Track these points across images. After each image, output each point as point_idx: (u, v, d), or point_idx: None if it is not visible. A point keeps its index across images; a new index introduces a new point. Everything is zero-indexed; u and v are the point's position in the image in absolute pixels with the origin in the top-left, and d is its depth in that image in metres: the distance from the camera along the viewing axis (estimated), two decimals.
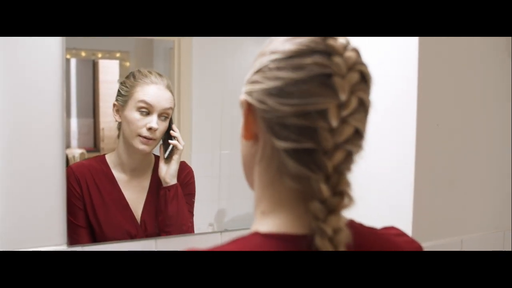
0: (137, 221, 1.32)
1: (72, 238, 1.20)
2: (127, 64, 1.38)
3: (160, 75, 1.33)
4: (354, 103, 0.55)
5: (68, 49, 1.17)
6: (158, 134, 1.31)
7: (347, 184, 0.56)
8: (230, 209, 1.49)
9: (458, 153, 1.33)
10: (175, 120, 1.37)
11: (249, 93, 0.60)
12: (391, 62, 1.29)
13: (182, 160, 1.38)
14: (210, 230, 1.43)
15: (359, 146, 0.58)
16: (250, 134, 0.62)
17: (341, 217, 0.56)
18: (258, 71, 0.60)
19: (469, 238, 1.36)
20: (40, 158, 1.14)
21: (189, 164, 1.41)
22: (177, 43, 1.43)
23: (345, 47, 0.58)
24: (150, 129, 1.28)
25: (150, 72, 1.32)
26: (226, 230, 1.40)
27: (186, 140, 1.40)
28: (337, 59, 0.56)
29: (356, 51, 0.59)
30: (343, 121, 0.55)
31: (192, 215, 1.39)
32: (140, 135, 1.29)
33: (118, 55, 1.39)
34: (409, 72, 1.23)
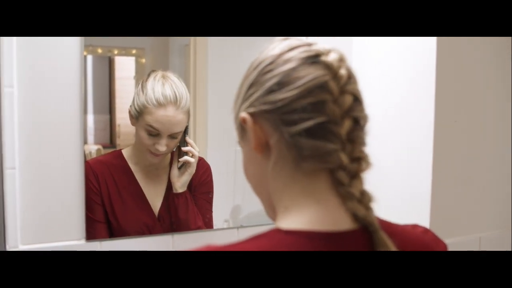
0: (154, 214, 1.33)
1: (90, 233, 1.21)
2: (143, 60, 1.39)
3: (172, 88, 1.24)
4: (345, 73, 0.61)
5: (84, 46, 1.18)
6: (169, 149, 1.29)
7: (362, 151, 0.61)
8: (246, 205, 1.49)
9: (476, 150, 1.32)
10: (191, 115, 1.38)
11: (250, 105, 0.63)
12: (409, 60, 1.28)
13: (202, 156, 1.37)
14: (225, 226, 1.43)
15: (363, 113, 0.62)
16: (261, 144, 0.62)
17: (363, 181, 0.60)
18: (250, 86, 0.63)
19: (487, 235, 1.35)
20: (59, 154, 1.16)
21: (203, 156, 1.41)
22: (193, 40, 1.43)
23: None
24: (157, 149, 1.26)
25: (163, 86, 1.24)
26: (241, 226, 1.41)
27: (202, 137, 1.40)
28: (317, 47, 0.61)
29: None
30: (342, 91, 0.59)
31: (211, 211, 1.40)
32: (149, 150, 1.28)
33: (134, 52, 1.40)
34: (427, 69, 1.22)
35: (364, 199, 0.60)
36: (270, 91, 0.60)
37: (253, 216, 1.47)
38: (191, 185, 1.36)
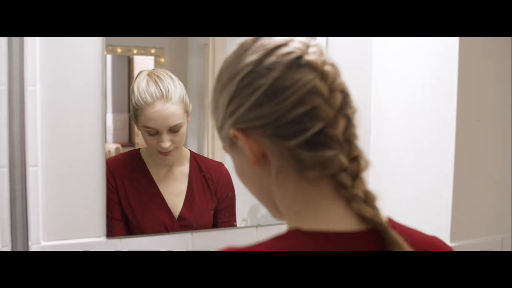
0: (172, 213, 1.33)
1: (108, 231, 1.22)
2: (162, 60, 1.40)
3: (157, 83, 1.23)
4: (331, 70, 0.58)
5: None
6: (176, 144, 1.28)
7: (358, 149, 0.59)
8: None
9: (498, 149, 1.30)
10: (209, 116, 1.38)
11: (237, 122, 0.60)
12: (431, 58, 1.26)
13: (217, 160, 1.38)
14: (243, 225, 1.43)
15: (352, 107, 0.60)
16: (257, 157, 0.60)
17: (365, 181, 0.59)
18: (231, 100, 0.60)
19: (509, 236, 1.33)
20: (80, 152, 1.17)
21: (222, 160, 1.41)
22: (211, 39, 1.43)
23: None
24: (162, 148, 1.26)
25: (148, 83, 1.23)
26: (259, 225, 1.41)
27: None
28: (295, 44, 0.59)
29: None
30: (331, 89, 0.58)
31: (234, 214, 1.40)
32: (157, 150, 1.28)
33: (153, 51, 1.41)
34: (448, 68, 1.21)
35: (368, 199, 0.59)
36: (258, 104, 0.57)
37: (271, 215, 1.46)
38: (212, 192, 1.37)
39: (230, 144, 0.63)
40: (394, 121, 1.37)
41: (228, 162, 1.41)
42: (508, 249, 1.30)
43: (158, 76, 1.25)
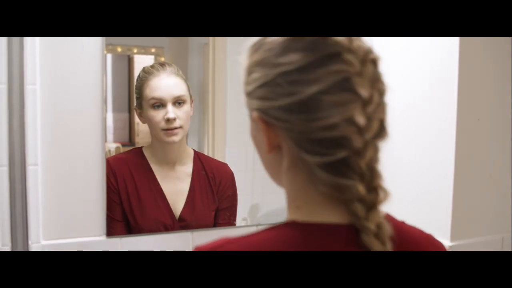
0: (173, 213, 1.33)
1: (108, 231, 1.22)
2: (162, 59, 1.39)
3: (162, 64, 1.31)
4: (376, 97, 0.55)
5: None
6: (181, 121, 1.29)
7: (380, 177, 0.56)
8: (264, 203, 1.49)
9: (498, 149, 1.30)
10: (209, 114, 1.38)
11: (263, 111, 0.57)
12: (431, 58, 1.26)
13: (219, 159, 1.39)
14: (243, 224, 1.43)
15: (384, 136, 0.57)
16: (272, 147, 0.59)
17: (380, 211, 0.56)
18: (263, 85, 0.57)
19: (510, 236, 1.32)
20: (80, 151, 1.17)
21: (223, 159, 1.41)
22: (212, 39, 1.43)
23: (349, 39, 0.56)
24: (168, 120, 1.28)
25: (152, 66, 1.31)
26: (260, 224, 1.41)
27: (221, 135, 1.40)
28: (348, 57, 0.54)
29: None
30: (369, 118, 0.54)
31: (235, 214, 1.41)
32: (163, 129, 1.29)
33: (153, 50, 1.41)
34: (449, 67, 1.21)
35: (381, 233, 0.55)
36: (289, 110, 0.55)
37: (271, 214, 1.46)
38: (214, 193, 1.37)
39: (250, 118, 0.62)
40: (394, 121, 1.37)
41: (230, 163, 1.42)
42: (508, 248, 1.30)
43: (162, 61, 1.34)
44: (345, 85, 0.54)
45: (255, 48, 0.60)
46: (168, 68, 1.30)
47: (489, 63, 1.26)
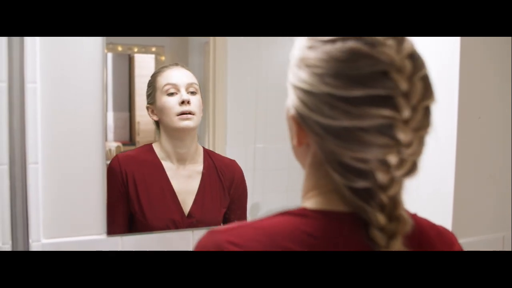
0: (182, 210, 1.33)
1: (115, 228, 1.22)
2: (163, 58, 1.40)
3: (175, 63, 1.36)
4: (416, 143, 0.54)
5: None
6: (194, 108, 1.32)
7: (402, 207, 0.56)
8: (264, 203, 1.49)
9: (500, 147, 1.30)
10: (210, 113, 1.38)
11: (300, 115, 0.57)
12: (432, 55, 1.26)
13: (220, 153, 1.39)
14: None
15: (415, 173, 0.56)
16: (301, 143, 0.60)
17: (401, 240, 0.55)
18: (309, 93, 0.55)
19: (510, 234, 1.32)
20: (81, 150, 1.17)
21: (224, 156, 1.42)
22: (212, 38, 1.43)
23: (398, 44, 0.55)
24: (182, 102, 1.30)
25: (165, 66, 1.35)
26: None
27: (221, 134, 1.40)
28: (399, 100, 0.52)
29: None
30: (403, 160, 0.53)
31: (245, 212, 1.42)
32: (177, 114, 1.30)
33: (153, 49, 1.41)
34: (450, 65, 1.21)
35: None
36: (326, 129, 0.54)
37: (271, 213, 1.46)
38: (226, 190, 1.38)
39: (287, 106, 0.61)
40: None
41: (229, 156, 1.42)
42: (509, 247, 1.31)
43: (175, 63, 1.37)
44: (388, 131, 0.52)
45: (315, 45, 0.57)
46: (180, 65, 1.35)
47: (489, 62, 1.27)
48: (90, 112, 1.17)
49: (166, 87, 1.30)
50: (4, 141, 1.08)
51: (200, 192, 1.35)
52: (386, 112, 0.52)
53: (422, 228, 0.63)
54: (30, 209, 1.12)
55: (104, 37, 1.18)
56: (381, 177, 0.53)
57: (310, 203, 0.61)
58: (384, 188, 0.54)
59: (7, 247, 1.09)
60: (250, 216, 1.46)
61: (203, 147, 1.39)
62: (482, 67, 1.25)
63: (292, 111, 0.59)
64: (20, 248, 1.09)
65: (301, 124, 0.58)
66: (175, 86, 1.30)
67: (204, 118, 1.42)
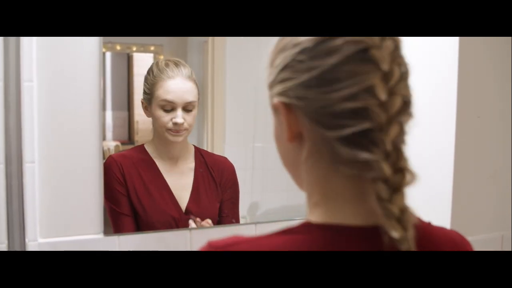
0: (179, 206, 1.34)
1: (117, 226, 1.23)
2: (161, 57, 1.39)
3: (177, 65, 1.31)
4: (397, 71, 0.53)
5: (103, 43, 1.19)
6: (187, 124, 1.31)
7: (406, 159, 0.54)
8: (263, 202, 1.49)
9: (499, 146, 1.30)
10: (209, 112, 1.38)
11: (283, 93, 0.57)
12: (431, 54, 1.26)
13: (219, 154, 1.40)
14: (242, 222, 1.43)
15: (409, 115, 0.56)
16: (293, 135, 0.58)
17: (405, 195, 0.54)
18: (284, 67, 0.57)
19: (510, 234, 1.32)
20: (78, 149, 1.16)
21: (222, 155, 1.43)
22: (211, 37, 1.43)
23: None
24: (176, 123, 1.29)
25: (167, 65, 1.31)
26: (259, 222, 1.40)
27: (220, 133, 1.40)
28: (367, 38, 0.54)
29: None
30: (391, 92, 0.53)
31: (237, 205, 1.42)
32: (168, 129, 1.30)
33: (152, 48, 1.41)
34: (449, 63, 1.21)
35: (403, 218, 0.53)
36: (308, 85, 0.54)
37: (270, 213, 1.46)
38: (217, 184, 1.38)
39: (273, 110, 0.61)
40: None
41: (227, 155, 1.42)
42: (508, 246, 1.30)
43: (176, 60, 1.33)
44: (364, 56, 0.53)
45: (279, 41, 0.60)
46: (183, 70, 1.31)
47: (489, 62, 1.27)
48: (87, 111, 1.17)
49: (162, 103, 1.29)
50: (0, 140, 1.08)
51: (195, 188, 1.36)
52: (356, 38, 0.54)
53: (436, 241, 0.61)
54: (27, 209, 1.11)
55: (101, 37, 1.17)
56: (377, 114, 0.52)
57: (315, 216, 0.58)
58: (382, 128, 0.52)
59: (3, 246, 1.09)
60: (249, 215, 1.46)
61: (194, 146, 1.40)
62: (481, 66, 1.25)
63: (275, 100, 0.58)
64: (17, 247, 1.09)
65: (288, 102, 0.57)
66: (172, 104, 1.29)
67: (203, 117, 1.42)
